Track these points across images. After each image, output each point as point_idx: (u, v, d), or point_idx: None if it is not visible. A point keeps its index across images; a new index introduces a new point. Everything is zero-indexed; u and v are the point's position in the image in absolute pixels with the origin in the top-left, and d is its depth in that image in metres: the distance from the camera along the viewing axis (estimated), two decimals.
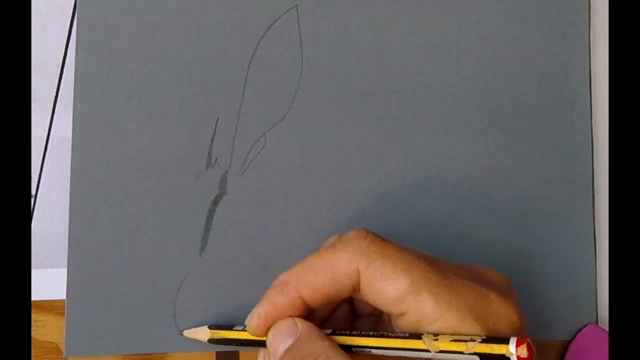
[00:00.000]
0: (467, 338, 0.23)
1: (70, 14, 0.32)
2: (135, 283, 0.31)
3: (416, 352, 0.24)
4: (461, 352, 0.23)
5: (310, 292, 0.25)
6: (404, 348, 0.24)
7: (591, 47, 0.35)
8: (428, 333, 0.24)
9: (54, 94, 0.32)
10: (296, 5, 0.33)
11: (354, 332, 0.25)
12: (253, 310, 0.26)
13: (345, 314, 0.28)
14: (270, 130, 0.32)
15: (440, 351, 0.23)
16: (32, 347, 0.31)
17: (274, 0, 0.33)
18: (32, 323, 0.31)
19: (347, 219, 0.33)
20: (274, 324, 0.26)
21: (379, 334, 0.25)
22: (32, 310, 0.31)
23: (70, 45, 0.32)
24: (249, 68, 0.32)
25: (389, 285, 0.24)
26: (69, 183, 0.31)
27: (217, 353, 0.32)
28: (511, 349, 0.22)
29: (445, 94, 0.34)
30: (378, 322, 0.28)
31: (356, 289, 0.25)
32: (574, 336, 0.34)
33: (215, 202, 0.32)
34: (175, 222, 0.31)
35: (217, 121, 0.32)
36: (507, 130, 0.34)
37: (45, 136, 0.32)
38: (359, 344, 0.25)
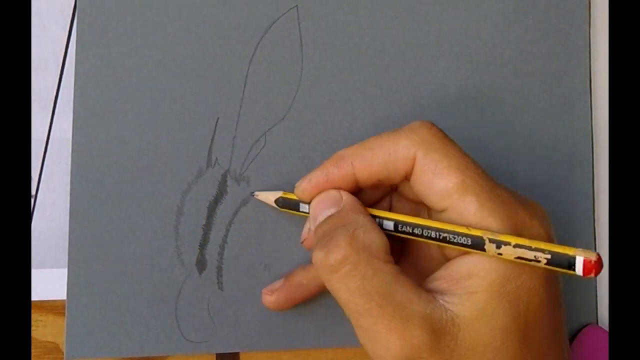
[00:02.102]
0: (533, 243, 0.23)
1: (70, 14, 0.32)
2: (136, 284, 0.31)
3: (464, 240, 0.24)
4: (528, 247, 0.23)
5: (365, 170, 0.26)
6: (461, 233, 0.24)
7: (591, 47, 0.35)
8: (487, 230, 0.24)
9: (54, 94, 0.32)
10: (296, 5, 0.33)
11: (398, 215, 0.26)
12: (308, 174, 0.27)
13: (384, 209, 0.29)
14: (270, 130, 0.32)
15: (504, 242, 0.23)
16: (32, 347, 0.31)
17: (274, 0, 0.33)
18: (32, 323, 0.31)
19: None
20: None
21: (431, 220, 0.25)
22: (32, 310, 0.31)
23: (70, 45, 0.32)
24: (249, 68, 0.32)
25: (440, 178, 0.25)
26: (69, 183, 0.31)
27: (218, 355, 0.32)
28: (579, 255, 0.22)
29: (445, 94, 0.34)
30: None
31: (408, 176, 0.26)
32: (574, 336, 0.34)
33: (215, 202, 0.32)
34: (175, 222, 0.31)
35: (217, 121, 0.32)
36: (507, 130, 0.34)
37: (45, 136, 0.32)
38: (414, 222, 0.25)
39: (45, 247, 0.32)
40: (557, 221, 0.34)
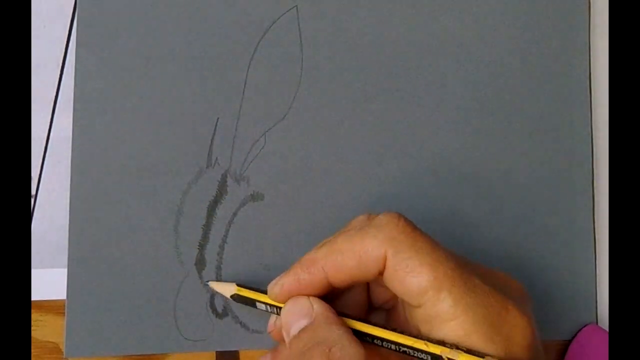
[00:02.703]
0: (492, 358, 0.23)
1: (70, 14, 0.32)
2: (135, 283, 0.31)
3: (426, 356, 0.24)
4: None
5: (337, 273, 0.26)
6: (420, 350, 0.24)
7: (591, 47, 0.35)
8: (449, 344, 0.24)
9: (54, 93, 0.32)
10: (296, 5, 0.33)
11: (372, 323, 0.26)
12: (277, 278, 0.27)
13: (361, 299, 0.29)
14: (270, 130, 0.32)
15: None
16: (32, 347, 0.31)
17: (274, 0, 0.33)
18: (32, 323, 0.31)
19: (347, 219, 0.33)
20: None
21: (398, 330, 0.25)
22: (32, 310, 0.31)
23: (70, 45, 0.32)
24: (249, 68, 0.32)
25: (412, 277, 0.24)
26: (69, 183, 0.31)
27: (217, 353, 0.32)
28: None
29: (445, 94, 0.34)
30: (390, 314, 0.29)
31: (381, 273, 0.26)
32: (574, 336, 0.34)
33: (215, 202, 0.32)
34: (175, 222, 0.31)
35: (217, 121, 0.32)
36: (507, 130, 0.34)
37: (45, 136, 0.32)
38: (375, 334, 0.26)
39: (45, 247, 0.32)
40: (557, 221, 0.34)
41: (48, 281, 0.31)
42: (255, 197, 0.32)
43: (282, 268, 0.32)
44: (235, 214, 0.32)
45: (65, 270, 0.31)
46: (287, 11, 0.33)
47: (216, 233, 0.32)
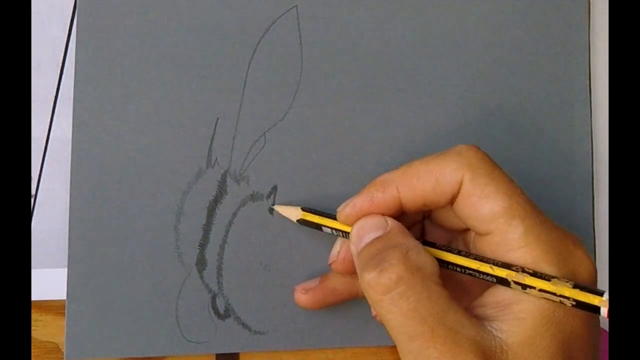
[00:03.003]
0: (559, 280, 0.23)
1: (70, 14, 0.32)
2: (136, 284, 0.31)
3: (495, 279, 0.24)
4: (552, 293, 0.23)
5: (410, 194, 0.26)
6: (485, 273, 0.24)
7: (591, 47, 0.35)
8: (515, 267, 0.24)
9: (54, 94, 0.32)
10: (296, 5, 0.33)
11: (441, 246, 0.26)
12: (349, 200, 0.27)
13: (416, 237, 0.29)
14: (270, 130, 0.32)
15: (528, 286, 0.23)
16: (32, 347, 0.31)
17: (274, 0, 0.33)
18: (32, 323, 0.31)
19: None
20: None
21: (463, 253, 0.25)
22: (32, 310, 0.31)
23: (70, 45, 0.32)
24: (249, 68, 0.32)
25: (486, 202, 0.25)
26: (69, 183, 0.31)
27: (217, 355, 0.32)
28: (605, 297, 0.22)
29: (445, 94, 0.34)
30: None
31: (453, 200, 0.26)
32: None
33: (215, 202, 0.32)
34: (175, 222, 0.31)
35: (217, 121, 0.32)
36: (507, 130, 0.34)
37: (45, 136, 0.32)
38: (443, 258, 0.26)
39: (45, 247, 0.32)
40: (557, 221, 0.34)
41: (48, 281, 0.31)
42: (255, 197, 0.32)
43: (282, 268, 0.32)
44: (235, 214, 0.32)
45: (65, 270, 0.31)
46: (287, 11, 0.33)
47: (216, 233, 0.32)
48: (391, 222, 0.26)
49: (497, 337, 0.23)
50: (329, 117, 0.33)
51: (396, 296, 0.23)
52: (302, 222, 0.30)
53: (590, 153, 0.35)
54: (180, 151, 0.32)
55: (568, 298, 0.23)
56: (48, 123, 0.32)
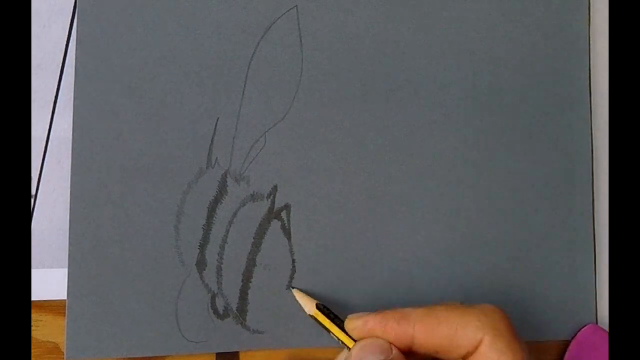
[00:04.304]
0: None
1: (70, 14, 0.32)
2: (136, 284, 0.31)
3: None
4: None
5: (426, 337, 0.26)
6: None
7: (591, 47, 0.35)
8: None
9: (54, 94, 0.32)
10: (296, 5, 0.33)
11: None
12: (364, 314, 0.27)
13: None
14: (270, 130, 0.32)
15: None
16: (32, 347, 0.31)
17: (274, 0, 0.33)
18: (32, 323, 0.31)
19: (347, 219, 0.33)
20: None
21: None
22: (32, 310, 0.31)
23: (70, 45, 0.32)
24: (249, 68, 0.32)
25: None
26: (69, 183, 0.31)
27: (217, 355, 0.32)
28: None
29: (445, 94, 0.34)
30: None
31: (467, 356, 0.26)
32: (574, 336, 0.34)
33: (215, 202, 0.32)
34: (175, 222, 0.31)
35: (217, 121, 0.32)
36: (507, 130, 0.34)
37: (45, 136, 0.32)
38: None
39: (45, 247, 0.32)
40: (557, 221, 0.34)
41: (48, 281, 0.31)
42: (255, 197, 0.32)
43: (283, 268, 0.32)
44: (235, 214, 0.32)
45: (65, 270, 0.31)
46: (287, 11, 0.33)
47: (216, 233, 0.32)
48: (396, 352, 0.26)
49: None
50: (329, 117, 0.33)
51: None
52: (312, 318, 0.30)
53: (590, 153, 0.35)
54: (181, 151, 0.32)
55: None
56: (48, 123, 0.32)
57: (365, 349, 0.26)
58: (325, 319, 0.29)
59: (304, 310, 0.30)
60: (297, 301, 0.31)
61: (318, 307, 0.30)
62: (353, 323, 0.27)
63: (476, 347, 0.25)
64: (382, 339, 0.26)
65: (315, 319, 0.30)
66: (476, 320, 0.25)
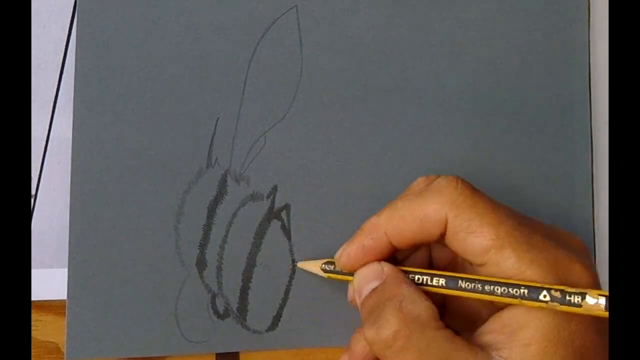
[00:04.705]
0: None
1: (70, 14, 0.32)
2: (136, 284, 0.31)
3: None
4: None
5: (398, 237, 0.27)
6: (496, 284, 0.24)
7: (591, 47, 0.35)
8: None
9: (54, 94, 0.32)
10: (296, 5, 0.33)
11: (434, 273, 0.26)
12: (342, 247, 0.28)
13: (424, 261, 0.29)
14: (270, 130, 0.32)
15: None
16: (32, 347, 0.31)
17: (273, 0, 0.33)
18: (32, 323, 0.31)
19: (347, 219, 0.33)
20: (361, 265, 0.27)
21: (473, 280, 0.25)
22: (32, 310, 0.31)
23: (70, 45, 0.32)
24: (249, 68, 0.32)
25: (474, 237, 0.25)
26: (69, 183, 0.31)
27: (217, 355, 0.32)
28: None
29: (445, 94, 0.34)
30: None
31: (442, 235, 0.26)
32: None
33: (215, 202, 0.32)
34: (175, 222, 0.31)
35: (217, 121, 0.32)
36: (507, 130, 0.34)
37: (45, 136, 0.32)
38: (448, 275, 0.26)
39: (45, 247, 0.32)
40: (557, 221, 0.34)
41: (48, 281, 0.31)
42: (255, 197, 0.32)
43: (282, 268, 0.32)
44: (235, 214, 0.32)
45: (66, 270, 0.31)
46: (287, 11, 0.33)
47: (216, 233, 0.32)
48: (387, 269, 0.27)
49: None
50: (329, 117, 0.33)
51: (397, 351, 0.24)
52: (325, 269, 0.30)
53: (590, 153, 0.35)
54: (181, 151, 0.32)
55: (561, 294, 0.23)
56: (48, 123, 0.32)
57: (361, 282, 0.27)
58: (336, 276, 0.30)
59: (319, 274, 0.31)
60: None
61: (323, 269, 0.30)
62: (339, 261, 0.28)
63: (445, 226, 0.26)
64: (372, 264, 0.27)
65: (329, 269, 0.30)
66: (433, 202, 0.26)
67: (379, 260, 0.27)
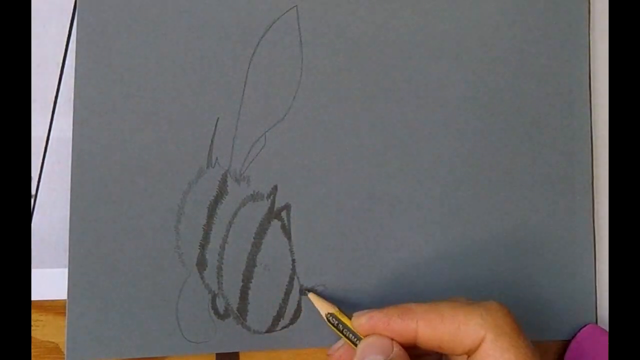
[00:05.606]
0: None
1: (70, 14, 0.32)
2: (136, 284, 0.31)
3: None
4: None
5: (428, 333, 0.26)
6: None
7: (591, 47, 0.35)
8: None
9: (54, 94, 0.32)
10: (296, 5, 0.33)
11: None
12: (369, 310, 0.27)
13: None
14: (270, 130, 0.32)
15: None
16: (32, 347, 0.31)
17: (274, 0, 0.33)
18: (32, 323, 0.31)
19: (347, 219, 0.33)
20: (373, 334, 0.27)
21: None
22: (32, 310, 0.31)
23: (70, 45, 0.32)
24: (249, 68, 0.32)
25: None
26: (69, 183, 0.31)
27: (217, 355, 0.32)
28: None
29: (445, 94, 0.34)
30: None
31: (470, 353, 0.26)
32: (574, 336, 0.34)
33: (215, 202, 0.32)
34: (175, 222, 0.31)
35: (217, 121, 0.32)
36: (507, 130, 0.34)
37: (45, 136, 0.32)
38: None
39: (45, 247, 0.32)
40: (557, 221, 0.34)
41: (48, 281, 0.31)
42: (255, 197, 0.32)
43: (282, 268, 0.32)
44: (235, 214, 0.32)
45: (66, 270, 0.31)
46: (287, 11, 0.33)
47: (217, 233, 0.32)
48: (397, 349, 0.26)
49: None
50: (329, 117, 0.33)
51: None
52: (330, 318, 0.30)
53: (590, 153, 0.35)
54: (181, 151, 0.32)
55: None
56: (48, 123, 0.32)
57: (366, 349, 0.27)
58: (334, 329, 0.29)
59: (320, 314, 0.30)
60: (312, 304, 0.31)
61: (327, 318, 0.30)
62: (358, 320, 0.28)
63: (479, 345, 0.25)
64: (384, 338, 0.27)
65: (329, 322, 0.30)
66: (479, 318, 0.26)
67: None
